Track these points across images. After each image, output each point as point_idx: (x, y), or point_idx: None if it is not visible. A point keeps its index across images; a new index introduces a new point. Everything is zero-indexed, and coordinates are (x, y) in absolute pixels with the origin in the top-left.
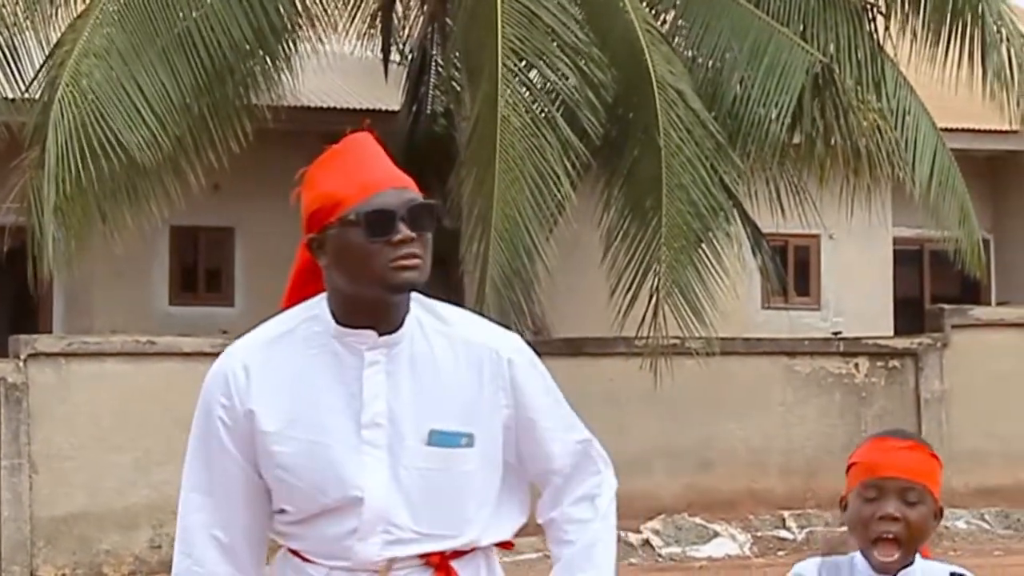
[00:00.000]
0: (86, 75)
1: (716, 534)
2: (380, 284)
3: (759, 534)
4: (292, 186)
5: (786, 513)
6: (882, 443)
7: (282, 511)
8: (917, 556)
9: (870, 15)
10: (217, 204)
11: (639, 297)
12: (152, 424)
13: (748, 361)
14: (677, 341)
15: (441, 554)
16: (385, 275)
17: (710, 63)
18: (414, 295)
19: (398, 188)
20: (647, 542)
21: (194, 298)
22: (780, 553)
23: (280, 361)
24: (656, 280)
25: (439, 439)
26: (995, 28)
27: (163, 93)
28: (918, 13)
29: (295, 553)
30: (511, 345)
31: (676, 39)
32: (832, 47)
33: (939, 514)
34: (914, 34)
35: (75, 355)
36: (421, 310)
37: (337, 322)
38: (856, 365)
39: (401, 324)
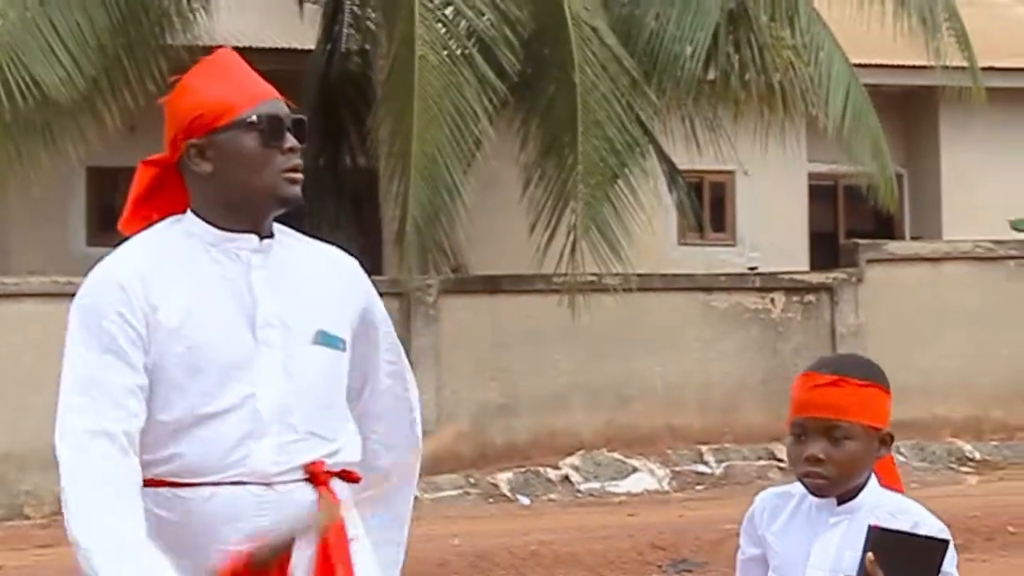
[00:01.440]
0: (1, 15)
1: (635, 469)
2: (270, 192)
3: (677, 469)
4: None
5: (704, 448)
6: (808, 379)
7: (162, 424)
8: (871, 484)
9: None
10: (133, 144)
11: (557, 234)
12: None
13: (665, 297)
14: (595, 277)
15: (323, 464)
16: (277, 184)
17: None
18: None
19: (280, 100)
20: (566, 478)
21: (112, 239)
22: (698, 488)
23: (169, 265)
24: (574, 217)
25: (324, 339)
26: None
27: (78, 33)
28: None
29: (161, 483)
30: (360, 269)
31: None
32: None
33: (887, 440)
34: None
35: None
36: (275, 228)
37: (217, 228)
38: (772, 300)
39: (271, 234)
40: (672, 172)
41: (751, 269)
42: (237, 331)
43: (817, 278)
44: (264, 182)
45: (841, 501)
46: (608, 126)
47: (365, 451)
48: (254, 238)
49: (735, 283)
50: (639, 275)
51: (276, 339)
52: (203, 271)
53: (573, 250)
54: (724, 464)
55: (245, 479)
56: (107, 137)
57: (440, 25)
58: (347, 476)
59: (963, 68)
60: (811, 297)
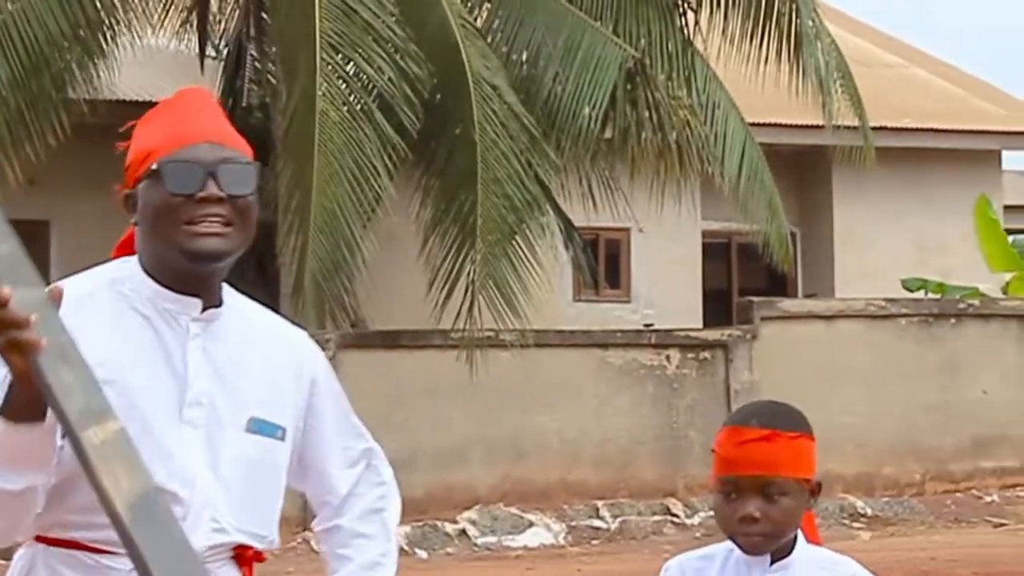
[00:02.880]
0: None
1: (531, 524)
2: (177, 247)
3: (573, 523)
4: (110, 178)
5: (600, 503)
6: (736, 434)
7: (77, 489)
8: (799, 542)
9: (681, 10)
10: (33, 197)
11: (455, 289)
12: None
13: (561, 353)
14: (492, 333)
15: (252, 548)
16: (180, 237)
17: (525, 58)
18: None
19: (215, 143)
20: (463, 532)
21: None
22: (594, 542)
23: (93, 314)
24: (471, 272)
25: (258, 427)
26: (811, 24)
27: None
28: (732, 9)
29: (80, 546)
30: (312, 344)
31: (491, 34)
32: (644, 42)
33: (816, 490)
34: (724, 31)
35: None
36: (228, 294)
37: (159, 284)
38: (668, 357)
39: (220, 302)
40: (568, 229)
41: (647, 326)
42: (160, 406)
43: (712, 335)
44: (168, 235)
45: (774, 558)
46: (507, 183)
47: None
48: (197, 303)
49: (631, 339)
50: (536, 331)
51: (201, 420)
52: (133, 328)
53: (471, 306)
54: (619, 519)
55: None
56: (7, 189)
57: (341, 81)
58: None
59: (855, 128)
60: (706, 354)
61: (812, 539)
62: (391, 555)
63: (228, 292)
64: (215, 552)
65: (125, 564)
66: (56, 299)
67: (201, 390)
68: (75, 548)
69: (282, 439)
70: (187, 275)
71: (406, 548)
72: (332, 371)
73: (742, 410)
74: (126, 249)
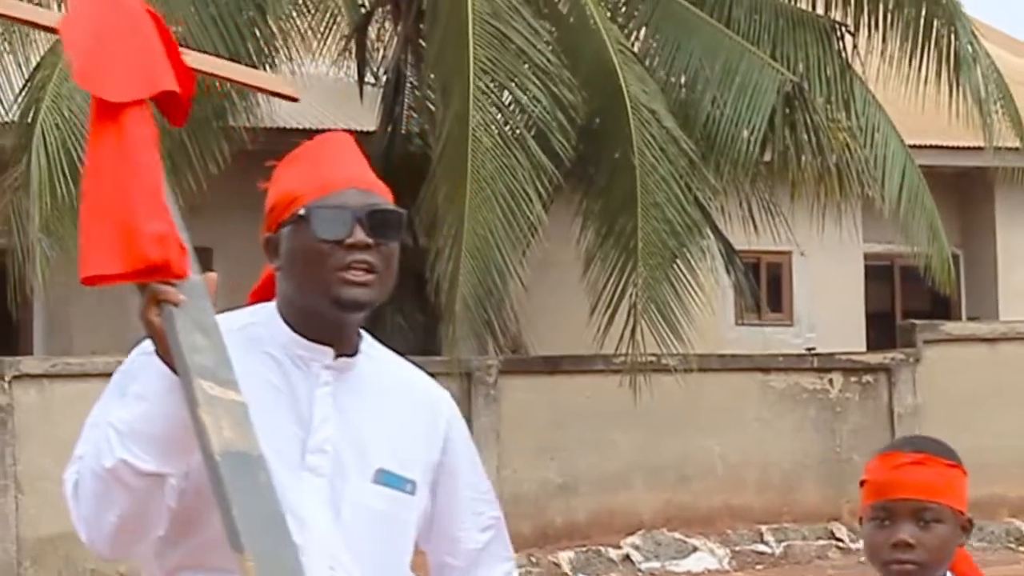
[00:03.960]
0: (67, 98)
1: (695, 549)
2: (325, 294)
3: (737, 548)
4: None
5: (763, 527)
6: (890, 458)
7: (201, 538)
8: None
9: (839, 34)
10: (196, 225)
11: (617, 314)
12: None
13: (724, 377)
14: (654, 358)
15: None
16: (330, 284)
17: (682, 82)
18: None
19: (362, 189)
20: (627, 557)
21: None
22: (758, 567)
23: (233, 353)
24: (633, 297)
25: (387, 479)
26: (969, 46)
27: None
28: (890, 31)
29: None
30: (449, 399)
31: (648, 59)
32: (802, 66)
33: (967, 526)
34: (883, 53)
35: (59, 376)
36: (367, 344)
37: (293, 331)
38: (830, 380)
39: (356, 351)
40: (729, 253)
41: (809, 350)
42: (285, 448)
43: (875, 359)
44: (316, 283)
45: None
46: (667, 208)
47: None
48: (330, 352)
49: (793, 363)
50: (699, 355)
51: (325, 468)
52: (263, 371)
53: (633, 330)
54: (783, 544)
55: None
56: None
57: (494, 108)
58: None
59: (1016, 149)
60: (869, 377)
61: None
62: None
63: (368, 342)
64: None
65: None
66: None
67: (325, 437)
68: None
69: (411, 493)
70: (325, 322)
71: (569, 573)
72: (468, 431)
73: (894, 441)
74: (262, 294)
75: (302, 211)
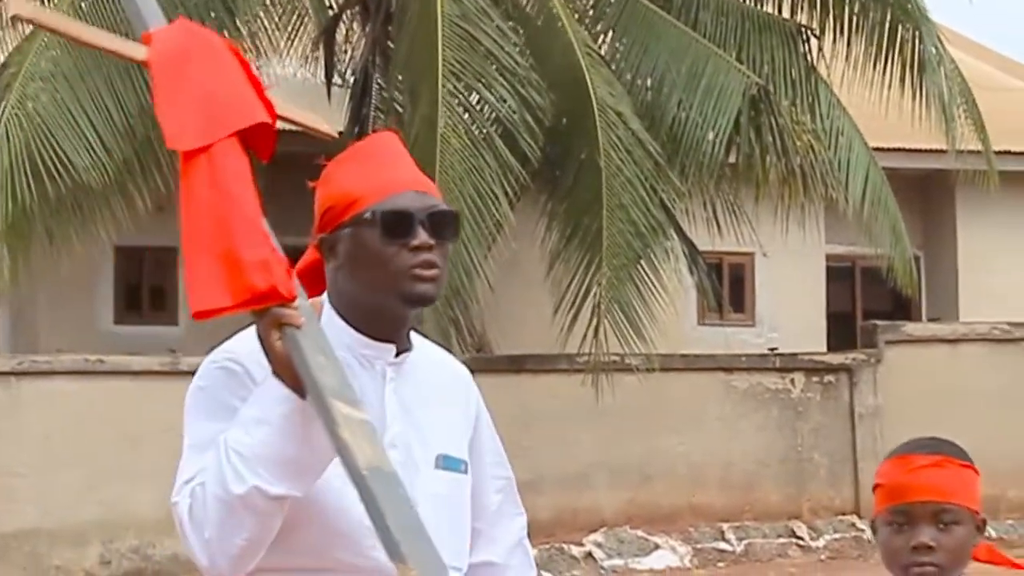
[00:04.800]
0: (32, 98)
1: (657, 546)
2: (394, 292)
3: (699, 546)
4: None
5: (725, 526)
6: (906, 461)
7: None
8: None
9: (804, 37)
10: (161, 224)
11: (581, 314)
12: (102, 442)
13: (687, 377)
14: (617, 357)
15: None
16: (400, 283)
17: (649, 85)
18: None
19: (420, 192)
20: (590, 555)
21: (139, 317)
22: (719, 565)
23: None
24: (597, 297)
25: (447, 463)
26: (933, 50)
27: (108, 116)
28: (855, 35)
29: None
30: (471, 376)
31: (615, 61)
32: (767, 69)
33: (982, 526)
34: (847, 57)
35: (25, 374)
36: (411, 337)
37: (354, 330)
38: (792, 380)
39: (411, 346)
40: (693, 253)
41: (771, 350)
42: None
43: (836, 359)
44: (385, 282)
45: None
46: (632, 208)
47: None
48: (392, 349)
49: (755, 363)
50: (661, 355)
51: (398, 462)
52: None
53: (597, 330)
54: (745, 542)
55: None
56: (136, 216)
57: (462, 109)
58: None
59: (978, 152)
60: (830, 377)
61: (1009, 565)
62: None
63: (411, 335)
64: None
65: None
66: (317, 308)
67: (396, 433)
68: None
69: (465, 472)
70: (389, 319)
71: None
72: (483, 402)
73: (906, 443)
74: (305, 280)
75: (368, 214)
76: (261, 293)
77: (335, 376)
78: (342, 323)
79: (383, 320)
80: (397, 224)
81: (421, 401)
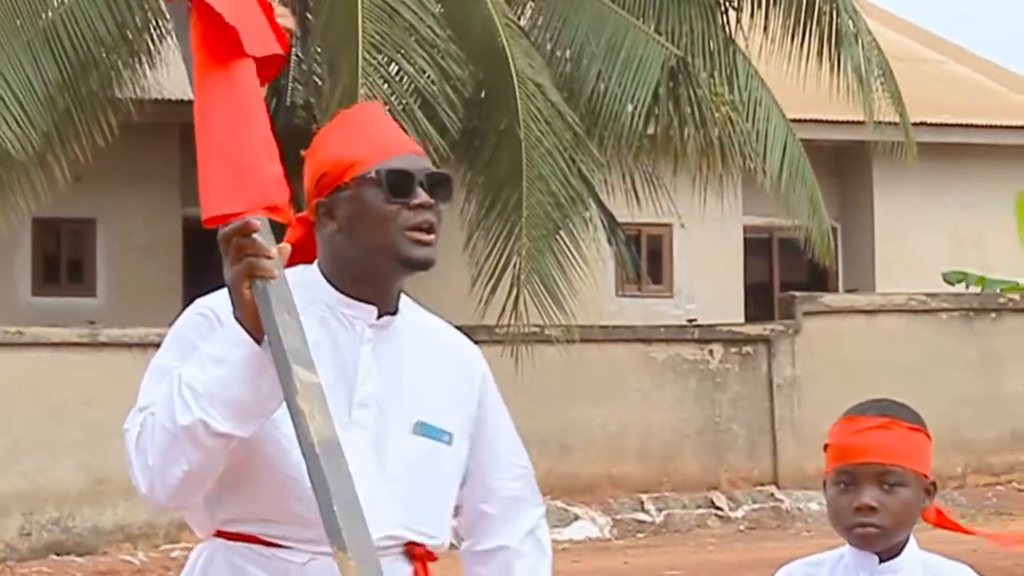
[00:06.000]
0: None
1: (577, 517)
2: (393, 255)
3: (618, 517)
4: (155, 176)
5: (644, 496)
6: (854, 422)
7: (248, 487)
8: (911, 544)
9: (723, 8)
10: (79, 195)
11: (500, 285)
12: (21, 413)
13: (606, 348)
14: (537, 328)
15: (424, 546)
16: (400, 243)
17: (568, 56)
18: None
19: (414, 154)
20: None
21: (57, 289)
22: (639, 535)
23: None
24: (517, 268)
25: (426, 430)
26: (850, 22)
27: (28, 86)
28: (773, 7)
29: (256, 540)
30: (481, 356)
31: (535, 33)
32: (686, 41)
33: (931, 489)
34: (765, 28)
35: None
36: (405, 304)
37: (337, 291)
38: (711, 351)
39: (396, 310)
40: (611, 225)
41: (689, 321)
42: (334, 405)
43: (755, 330)
44: (385, 240)
45: (883, 560)
46: (551, 180)
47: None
48: (373, 311)
49: (674, 335)
50: (581, 326)
51: (369, 421)
52: (311, 333)
53: (516, 301)
54: (664, 512)
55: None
56: (54, 188)
57: (383, 81)
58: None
59: (895, 124)
60: (748, 348)
61: (957, 529)
62: (549, 573)
63: (406, 302)
64: (383, 547)
65: (298, 557)
66: (284, 256)
67: (368, 393)
68: (252, 542)
69: (449, 444)
70: (379, 281)
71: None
72: (495, 384)
73: (857, 404)
74: (297, 256)
75: (372, 173)
76: (274, 205)
77: (296, 337)
78: (325, 284)
79: (375, 282)
80: (399, 183)
81: (404, 366)
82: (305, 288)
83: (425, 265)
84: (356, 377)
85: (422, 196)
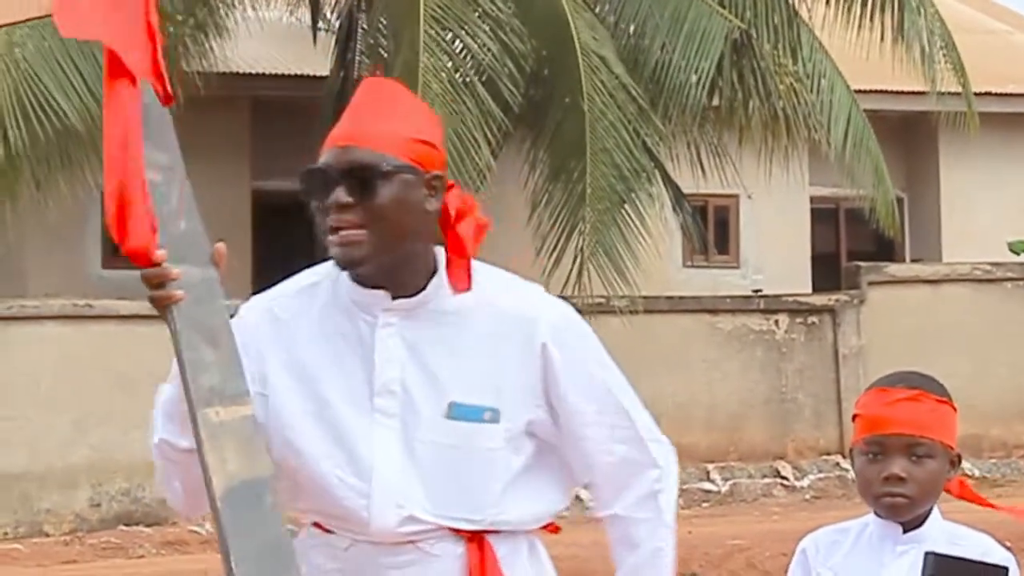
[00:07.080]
0: (19, 44)
1: None
2: (331, 254)
3: (685, 487)
4: (222, 149)
5: (710, 466)
6: (883, 394)
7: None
8: (934, 514)
9: None
10: None
11: (564, 257)
12: (91, 385)
13: (671, 319)
14: (602, 300)
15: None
16: (328, 244)
17: (632, 30)
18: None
19: (343, 147)
20: (577, 496)
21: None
22: (704, 505)
23: (301, 312)
24: (581, 241)
25: (459, 412)
26: None
27: (94, 61)
28: None
29: (316, 525)
30: (553, 316)
31: (598, 6)
32: (750, 13)
33: (956, 461)
34: (828, 0)
35: (14, 319)
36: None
37: (354, 280)
38: (776, 322)
39: (423, 287)
40: (677, 196)
41: (755, 291)
42: (354, 394)
43: (820, 300)
44: (325, 242)
45: (907, 529)
46: (615, 153)
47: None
48: (384, 295)
49: (740, 305)
50: (645, 297)
51: (394, 408)
52: (336, 321)
53: (580, 273)
54: (730, 482)
55: (377, 541)
56: None
57: (444, 55)
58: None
59: (958, 94)
60: (814, 319)
61: (978, 502)
62: (669, 540)
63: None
64: (419, 534)
65: (342, 542)
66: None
67: (391, 378)
68: (316, 528)
69: (493, 421)
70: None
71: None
72: (585, 338)
73: (886, 376)
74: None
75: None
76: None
77: (217, 371)
78: (345, 274)
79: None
80: (311, 183)
81: (438, 347)
82: (330, 282)
83: (350, 265)
84: (372, 366)
85: (337, 196)
